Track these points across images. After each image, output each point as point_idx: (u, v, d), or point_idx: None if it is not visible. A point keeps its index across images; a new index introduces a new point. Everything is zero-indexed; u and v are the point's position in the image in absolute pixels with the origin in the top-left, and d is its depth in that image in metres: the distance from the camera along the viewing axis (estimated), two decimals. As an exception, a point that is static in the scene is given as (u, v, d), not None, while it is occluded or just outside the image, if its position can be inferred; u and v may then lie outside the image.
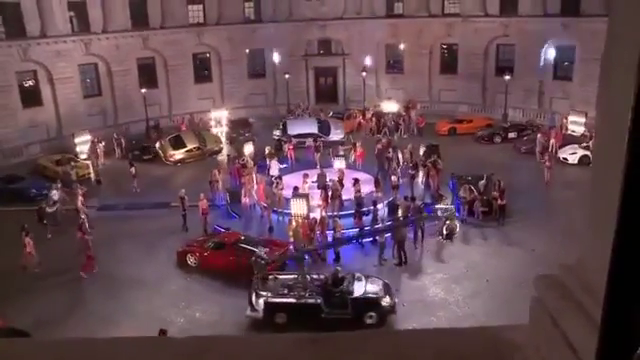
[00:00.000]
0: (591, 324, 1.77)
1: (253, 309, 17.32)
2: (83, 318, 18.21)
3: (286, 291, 17.50)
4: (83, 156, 34.97)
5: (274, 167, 29.06)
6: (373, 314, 17.05)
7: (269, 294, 17.36)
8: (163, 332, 14.30)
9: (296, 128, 36.08)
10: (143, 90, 40.62)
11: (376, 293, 17.61)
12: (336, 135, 35.83)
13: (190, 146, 35.28)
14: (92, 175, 31.06)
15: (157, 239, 24.00)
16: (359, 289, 17.57)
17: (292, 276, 18.29)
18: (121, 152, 36.10)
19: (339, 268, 18.61)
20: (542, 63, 40.83)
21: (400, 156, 29.56)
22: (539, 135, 33.50)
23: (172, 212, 26.15)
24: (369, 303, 17.25)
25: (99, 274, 21.37)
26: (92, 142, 35.89)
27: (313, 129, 35.76)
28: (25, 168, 33.23)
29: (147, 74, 43.20)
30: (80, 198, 25.90)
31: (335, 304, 16.97)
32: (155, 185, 30.03)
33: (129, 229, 24.48)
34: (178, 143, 35.48)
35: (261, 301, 17.24)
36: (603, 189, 1.83)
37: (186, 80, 44.86)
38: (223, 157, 33.19)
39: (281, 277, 18.57)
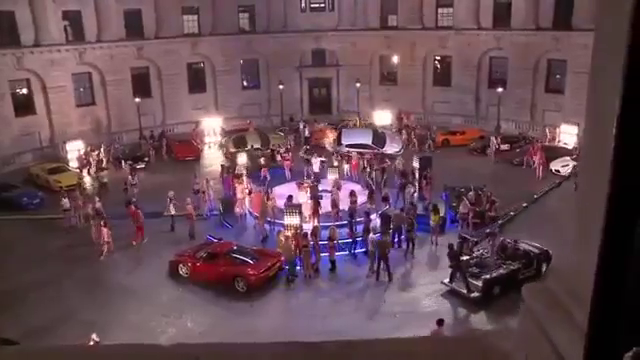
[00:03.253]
0: (578, 331, 1.78)
1: (470, 291, 19.14)
2: (73, 327, 18.04)
3: (477, 270, 19.72)
4: (73, 165, 34.99)
5: (315, 164, 29.80)
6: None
7: (485, 273, 19.45)
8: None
9: (350, 138, 35.90)
10: (137, 99, 40.62)
11: (538, 248, 20.58)
12: (391, 148, 34.69)
13: (249, 146, 35.58)
14: (89, 182, 30.85)
15: (149, 248, 23.93)
16: (527, 248, 20.65)
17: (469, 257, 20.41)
18: (110, 161, 36.03)
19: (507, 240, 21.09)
20: (534, 76, 41.16)
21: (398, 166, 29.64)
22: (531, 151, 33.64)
23: (164, 221, 26.09)
24: (538, 256, 20.27)
25: (90, 282, 21.25)
26: (85, 151, 35.92)
27: (367, 140, 35.36)
28: (17, 176, 33.11)
29: (141, 84, 43.20)
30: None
31: (525, 265, 19.95)
32: (148, 194, 29.92)
33: (121, 238, 24.36)
34: (241, 142, 36.12)
35: (476, 281, 19.15)
36: (589, 196, 1.86)
37: (180, 90, 44.90)
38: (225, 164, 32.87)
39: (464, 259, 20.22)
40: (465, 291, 19.18)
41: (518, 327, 2.26)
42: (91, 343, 15.13)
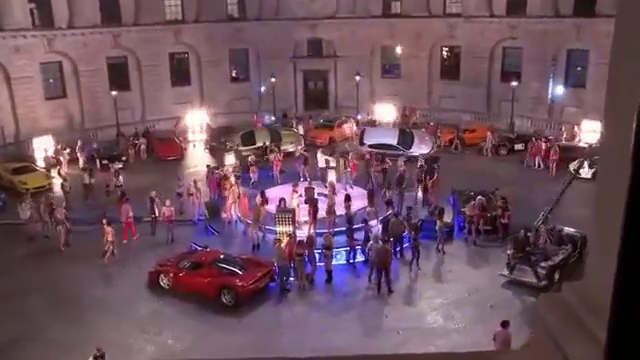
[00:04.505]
0: (595, 344, 1.80)
1: (540, 279, 20.59)
2: (41, 346, 17.99)
3: (535, 258, 21.27)
4: (41, 164, 34.97)
5: (320, 159, 30.05)
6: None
7: (541, 259, 21.16)
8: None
9: (374, 137, 36.00)
10: (113, 93, 40.60)
11: (578, 232, 22.19)
12: (420, 149, 34.32)
13: (260, 144, 35.88)
14: (63, 184, 30.71)
15: (126, 256, 23.91)
16: (570, 232, 22.52)
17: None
18: (86, 161, 35.75)
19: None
20: (552, 68, 41.32)
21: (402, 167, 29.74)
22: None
23: (144, 227, 26.07)
24: (581, 239, 21.67)
25: (59, 295, 21.18)
26: (55, 149, 35.83)
27: (392, 140, 35.40)
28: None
29: (118, 75, 43.19)
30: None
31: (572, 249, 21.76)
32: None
33: (95, 246, 24.35)
34: (249, 139, 36.62)
35: (540, 269, 20.72)
36: (607, 205, 1.88)
37: (162, 82, 44.90)
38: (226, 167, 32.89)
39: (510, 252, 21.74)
40: (534, 280, 20.65)
41: (531, 342, 2.28)
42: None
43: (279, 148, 35.19)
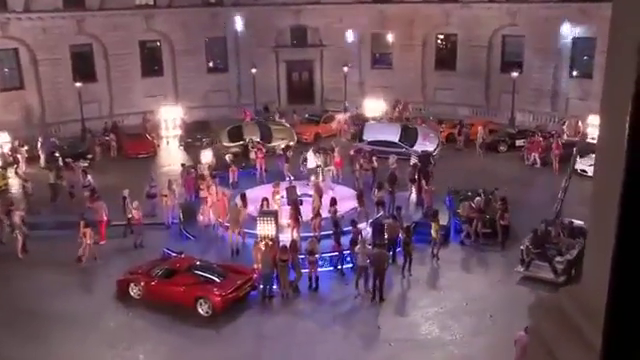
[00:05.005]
0: (590, 352, 1.85)
1: (558, 275, 21.35)
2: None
3: (555, 252, 22.22)
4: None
5: (311, 159, 30.15)
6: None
7: (562, 255, 22.02)
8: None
9: (373, 133, 36.22)
10: (78, 84, 40.35)
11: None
12: (423, 147, 34.16)
13: (248, 140, 35.87)
14: (24, 185, 30.51)
15: (92, 264, 23.77)
16: (580, 224, 23.10)
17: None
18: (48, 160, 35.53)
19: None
20: (556, 57, 41.63)
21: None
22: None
23: (114, 231, 25.93)
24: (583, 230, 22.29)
25: (15, 308, 20.96)
26: (12, 146, 35.54)
27: (393, 137, 35.65)
28: None
29: (83, 65, 43.02)
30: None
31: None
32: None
33: (58, 253, 24.18)
34: (236, 135, 36.66)
35: (558, 265, 21.55)
36: (602, 207, 1.93)
37: (132, 73, 44.72)
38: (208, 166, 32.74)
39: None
40: (552, 276, 21.32)
41: (524, 354, 2.32)
42: None
43: (264, 144, 35.20)
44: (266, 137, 36.82)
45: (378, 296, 21.00)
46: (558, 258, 21.80)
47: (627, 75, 1.72)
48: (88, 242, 23.71)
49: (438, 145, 35.61)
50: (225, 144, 36.15)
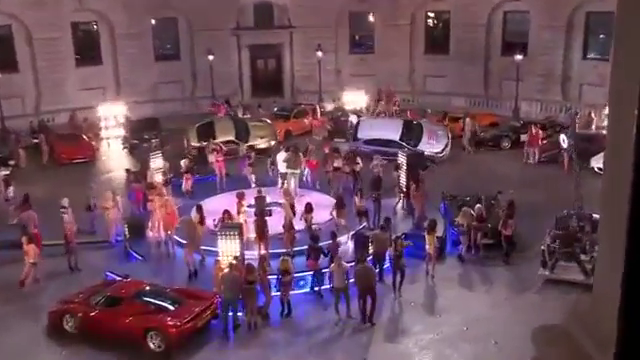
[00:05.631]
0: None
1: (588, 276, 21.60)
2: None
3: (579, 250, 23.12)
4: None
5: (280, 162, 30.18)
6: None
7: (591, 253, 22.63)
8: None
9: (369, 131, 36.24)
10: (-6, 75, 39.98)
11: None
12: (429, 146, 34.57)
13: (220, 139, 35.86)
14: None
15: (18, 293, 23.47)
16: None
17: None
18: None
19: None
20: (568, 36, 42.00)
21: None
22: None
23: (47, 250, 25.61)
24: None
25: None
26: None
27: (394, 134, 35.60)
28: None
29: (1, 51, 42.51)
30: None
31: None
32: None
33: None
34: (207, 132, 36.74)
35: (587, 264, 22.22)
36: (612, 217, 1.91)
37: (63, 61, 44.35)
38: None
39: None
40: (582, 277, 21.90)
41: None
42: None
43: (238, 144, 35.19)
44: (242, 135, 36.89)
45: (368, 320, 21.00)
46: (583, 257, 22.47)
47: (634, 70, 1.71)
48: (31, 261, 23.51)
49: (447, 144, 35.68)
50: (194, 144, 36.10)
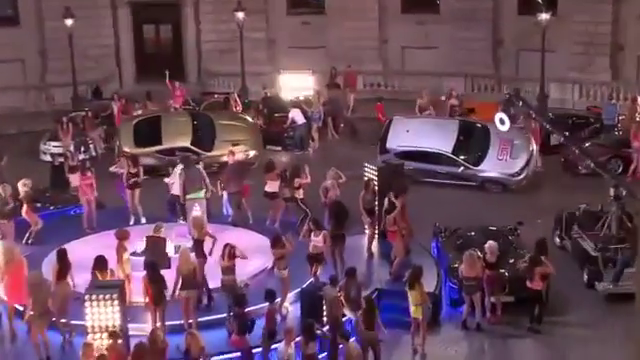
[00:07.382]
0: None
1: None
2: None
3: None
4: None
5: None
6: None
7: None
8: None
9: (407, 138, 35.62)
10: None
11: None
12: (499, 165, 34.29)
13: (168, 144, 36.15)
14: None
15: None
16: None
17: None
18: None
19: None
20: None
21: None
22: None
23: None
24: None
25: None
26: None
27: (445, 145, 34.88)
28: None
29: None
30: None
31: None
32: None
33: None
34: (149, 134, 36.87)
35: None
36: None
37: None
38: None
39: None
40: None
41: None
42: None
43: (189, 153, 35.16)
44: (204, 140, 36.89)
45: None
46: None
47: None
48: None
49: (529, 161, 34.58)
50: (128, 150, 35.64)
